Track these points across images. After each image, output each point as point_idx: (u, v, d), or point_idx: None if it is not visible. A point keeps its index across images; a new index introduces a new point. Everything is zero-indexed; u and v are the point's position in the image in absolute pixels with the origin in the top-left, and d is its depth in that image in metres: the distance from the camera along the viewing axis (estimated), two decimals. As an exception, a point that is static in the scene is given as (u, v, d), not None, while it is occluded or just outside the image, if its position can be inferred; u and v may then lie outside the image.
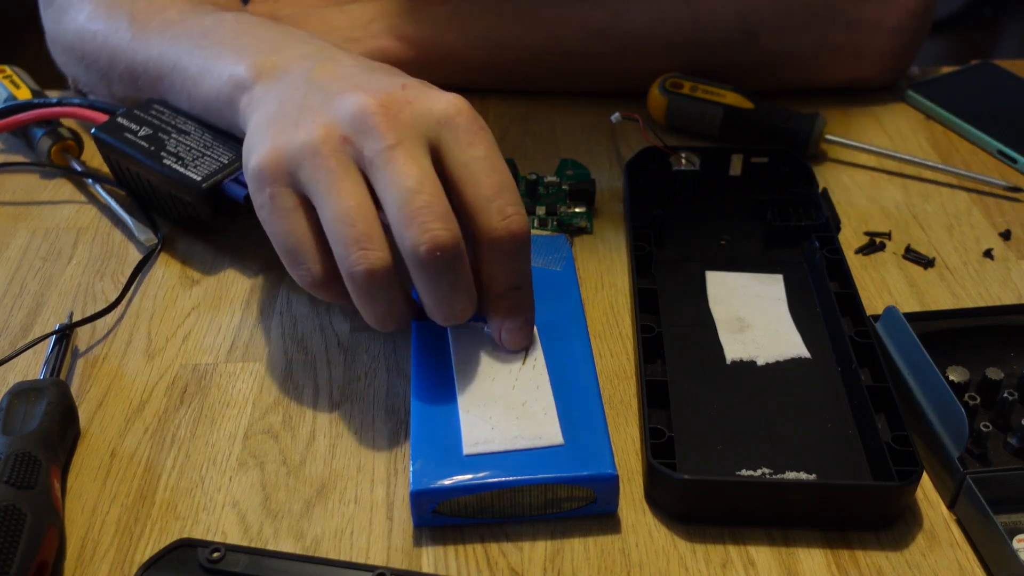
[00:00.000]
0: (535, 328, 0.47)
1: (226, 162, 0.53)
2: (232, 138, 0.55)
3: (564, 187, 0.60)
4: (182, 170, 0.53)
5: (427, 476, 0.40)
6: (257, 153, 0.44)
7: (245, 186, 0.52)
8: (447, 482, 0.40)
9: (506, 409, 0.43)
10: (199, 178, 0.53)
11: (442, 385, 0.44)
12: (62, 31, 0.63)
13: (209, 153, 0.54)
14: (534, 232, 0.54)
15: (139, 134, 0.55)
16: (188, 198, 0.53)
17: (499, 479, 0.40)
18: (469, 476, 0.40)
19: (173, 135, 0.55)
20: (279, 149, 0.43)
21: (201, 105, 0.54)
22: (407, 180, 0.40)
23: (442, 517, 0.41)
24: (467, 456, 0.41)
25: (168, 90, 0.57)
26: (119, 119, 0.56)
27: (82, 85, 0.64)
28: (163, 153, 0.54)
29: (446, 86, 0.70)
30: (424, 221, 0.39)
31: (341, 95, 0.43)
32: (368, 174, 0.42)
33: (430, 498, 0.40)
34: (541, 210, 0.59)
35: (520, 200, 0.42)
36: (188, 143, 0.54)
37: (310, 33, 0.53)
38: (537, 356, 0.45)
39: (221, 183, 0.53)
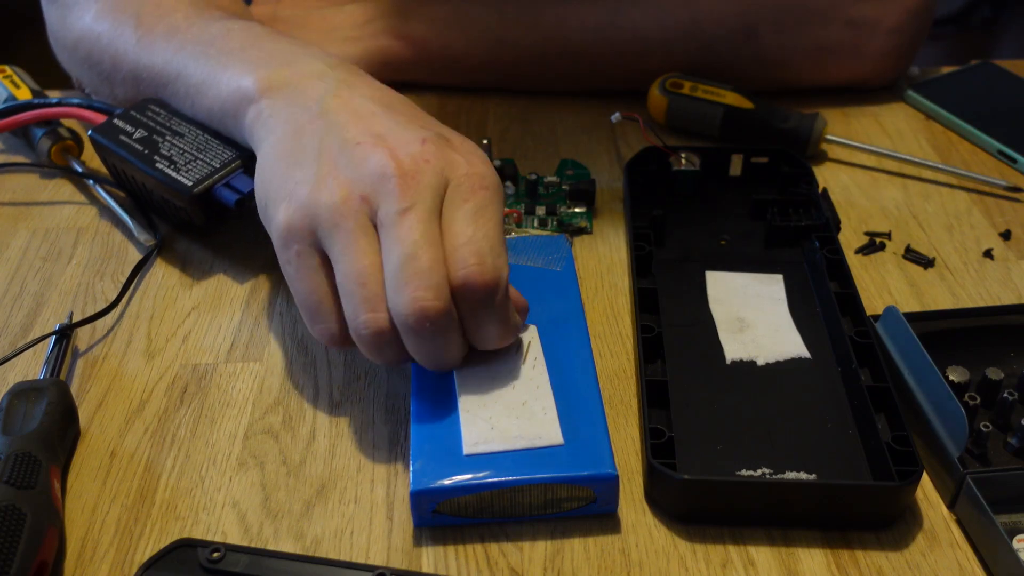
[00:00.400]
0: (535, 328, 0.47)
1: (218, 166, 0.53)
2: (226, 140, 0.55)
3: (564, 187, 0.60)
4: (174, 174, 0.53)
5: (427, 476, 0.40)
6: (285, 210, 0.44)
7: (236, 191, 0.52)
8: (447, 482, 0.40)
9: (506, 409, 0.43)
10: (190, 183, 0.52)
11: (442, 385, 0.44)
12: (66, 30, 0.63)
13: (202, 157, 0.54)
14: (534, 232, 0.54)
15: (134, 136, 0.55)
16: (179, 203, 0.53)
17: (499, 479, 0.40)
18: (469, 476, 0.40)
19: (167, 137, 0.55)
20: (304, 209, 0.43)
21: (204, 113, 0.54)
22: (406, 246, 0.41)
23: (442, 517, 0.41)
24: (467, 456, 0.41)
25: (171, 96, 0.57)
26: (115, 121, 0.56)
27: (85, 85, 0.64)
28: (156, 156, 0.54)
29: (447, 85, 0.71)
30: (415, 289, 0.40)
31: (363, 153, 0.44)
32: (380, 233, 0.43)
33: (430, 498, 0.40)
34: (541, 210, 0.59)
35: (497, 251, 0.42)
36: (181, 146, 0.54)
37: (317, 47, 0.53)
38: (537, 356, 0.45)
39: (212, 188, 0.53)
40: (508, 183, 0.60)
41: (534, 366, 0.45)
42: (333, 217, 0.42)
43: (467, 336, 0.43)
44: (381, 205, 0.42)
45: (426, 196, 0.42)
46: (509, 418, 0.42)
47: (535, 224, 0.58)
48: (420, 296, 0.40)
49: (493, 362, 0.45)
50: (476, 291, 0.41)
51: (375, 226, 0.43)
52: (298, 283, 0.44)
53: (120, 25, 0.59)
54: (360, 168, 0.43)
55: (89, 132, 0.57)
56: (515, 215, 0.57)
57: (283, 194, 0.45)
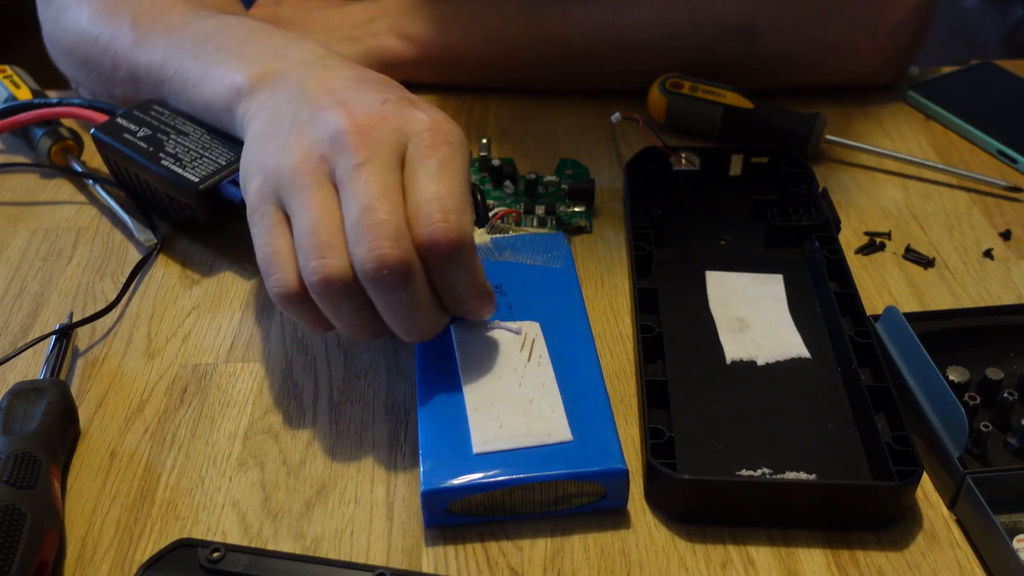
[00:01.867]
0: (538, 325, 0.47)
1: (224, 163, 0.53)
2: (231, 139, 0.55)
3: (563, 186, 0.61)
4: (179, 171, 0.53)
5: (438, 476, 0.40)
6: (254, 178, 0.45)
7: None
8: (458, 481, 0.40)
9: (513, 407, 0.43)
10: (196, 179, 0.53)
11: (448, 385, 0.44)
12: (61, 33, 0.63)
13: (207, 154, 0.54)
14: (533, 231, 0.54)
15: (138, 135, 0.55)
16: (185, 199, 0.53)
17: (510, 477, 0.40)
18: (480, 475, 0.40)
19: (172, 136, 0.55)
20: (269, 174, 0.44)
21: (201, 109, 0.55)
22: (365, 198, 0.41)
23: (453, 516, 0.41)
24: (477, 455, 0.41)
25: (168, 94, 0.57)
26: (118, 119, 0.56)
27: (83, 87, 0.64)
28: (161, 154, 0.54)
29: (447, 85, 0.71)
30: (373, 239, 0.40)
31: (323, 112, 0.44)
32: (338, 191, 0.42)
33: (442, 498, 0.40)
34: (540, 209, 0.59)
35: (461, 208, 0.41)
36: (187, 144, 0.54)
37: (315, 40, 0.53)
38: (542, 353, 0.45)
39: (218, 184, 0.53)
40: (507, 182, 0.60)
41: (539, 363, 0.45)
42: (292, 176, 0.43)
43: (442, 301, 0.43)
44: (338, 162, 0.42)
45: (382, 151, 0.42)
46: (517, 416, 0.42)
47: (534, 223, 0.58)
48: (377, 244, 0.40)
49: (498, 360, 0.45)
50: (441, 246, 0.40)
51: (335, 186, 0.42)
52: (257, 239, 0.44)
53: (117, 26, 0.59)
54: (319, 130, 0.43)
55: (92, 130, 0.57)
56: (514, 214, 0.57)
57: (256, 167, 0.45)
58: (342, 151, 0.42)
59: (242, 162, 0.47)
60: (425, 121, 0.43)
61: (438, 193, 0.41)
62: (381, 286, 0.40)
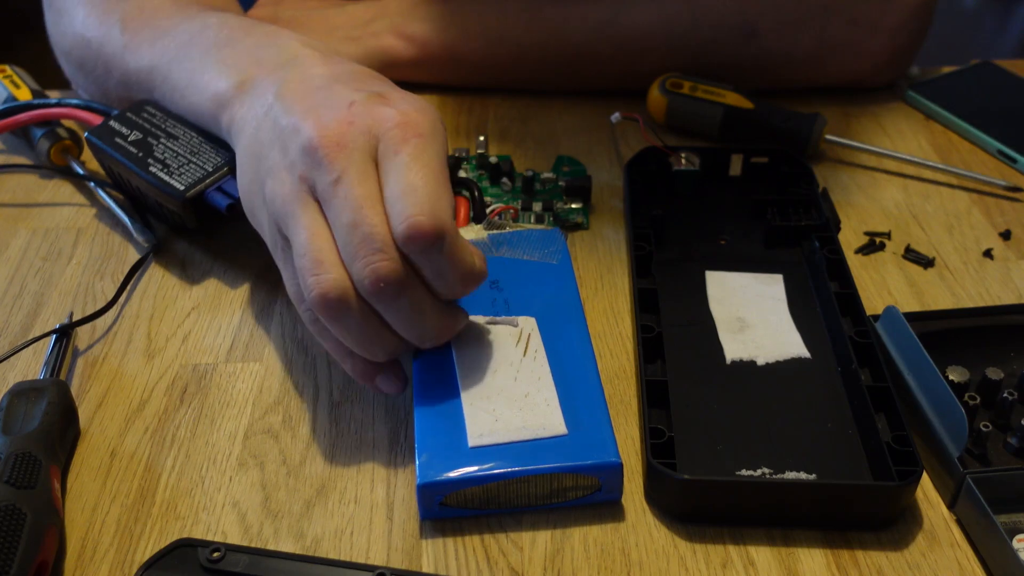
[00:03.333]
0: (534, 320, 0.47)
1: (210, 169, 0.53)
2: (220, 143, 0.54)
3: (560, 183, 0.61)
4: (166, 178, 0.53)
5: (433, 469, 0.41)
6: (261, 213, 0.45)
7: (228, 195, 0.53)
8: (453, 474, 0.40)
9: (509, 401, 0.43)
10: (182, 187, 0.52)
11: (444, 379, 0.44)
12: (60, 35, 0.64)
13: (195, 160, 0.54)
14: (530, 227, 0.54)
15: (128, 139, 0.55)
16: (172, 207, 0.53)
17: (505, 470, 0.40)
18: (475, 468, 0.40)
19: (162, 139, 0.55)
20: (269, 206, 0.44)
21: (193, 116, 0.55)
22: (348, 213, 0.41)
23: (448, 509, 0.41)
24: (472, 448, 0.41)
25: (161, 99, 0.57)
26: (111, 123, 0.56)
27: (80, 89, 0.64)
28: (150, 160, 0.54)
29: (447, 85, 0.71)
30: (365, 255, 0.40)
31: (294, 133, 0.44)
32: (323, 208, 0.43)
33: (437, 490, 0.40)
34: (537, 206, 0.59)
35: (435, 196, 0.41)
36: (175, 148, 0.54)
37: (293, 33, 0.53)
38: (537, 347, 0.46)
39: (204, 192, 0.53)
40: (504, 179, 0.60)
41: (535, 358, 0.45)
42: (284, 207, 0.43)
43: (433, 291, 0.43)
44: (316, 179, 0.42)
45: (355, 159, 0.42)
46: (512, 410, 0.43)
47: (531, 219, 0.58)
48: (369, 260, 0.40)
49: (494, 355, 0.45)
50: (419, 240, 0.40)
51: (317, 203, 0.43)
52: (283, 274, 0.45)
53: (107, 30, 0.59)
54: (292, 149, 0.44)
55: (86, 134, 0.57)
56: (511, 210, 0.57)
57: (259, 200, 0.45)
58: (317, 167, 0.42)
59: (241, 183, 0.47)
60: (393, 117, 0.43)
61: (409, 186, 0.41)
62: (384, 298, 0.41)
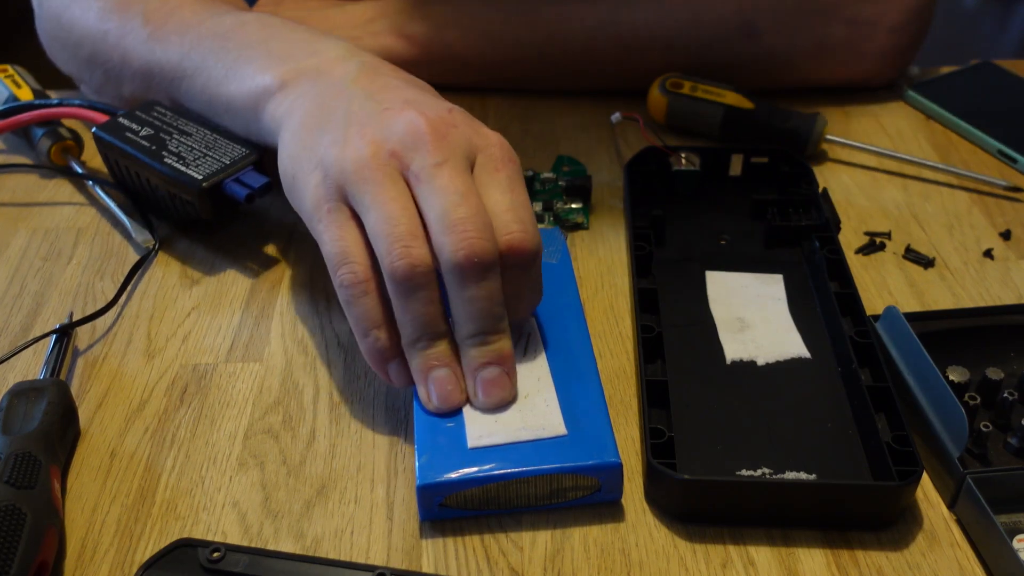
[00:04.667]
0: (534, 320, 0.47)
1: (227, 162, 0.53)
2: (235, 139, 0.55)
3: (560, 183, 0.61)
4: (183, 168, 0.53)
5: (433, 470, 0.41)
6: (313, 173, 0.45)
7: (246, 186, 0.53)
8: (453, 475, 0.40)
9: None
10: (200, 176, 0.53)
11: None
12: (64, 30, 0.63)
13: (211, 153, 0.54)
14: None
15: (140, 134, 0.55)
16: (188, 197, 0.53)
17: (504, 471, 0.40)
18: (475, 469, 0.40)
19: (175, 135, 0.55)
20: (332, 167, 0.44)
21: (223, 107, 0.54)
22: (451, 193, 0.42)
23: (448, 510, 0.41)
24: (472, 449, 0.41)
25: (185, 92, 0.57)
26: (120, 119, 0.56)
27: (86, 84, 0.64)
28: (164, 152, 0.54)
29: (447, 85, 0.71)
30: (464, 230, 0.41)
31: (394, 112, 0.45)
32: (413, 187, 0.43)
33: (437, 491, 0.40)
34: (537, 206, 0.59)
35: (534, 221, 0.44)
36: (190, 143, 0.55)
37: (332, 34, 0.54)
38: (537, 348, 0.46)
39: (222, 182, 0.53)
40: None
41: (535, 358, 0.45)
42: (361, 170, 0.43)
43: (506, 301, 0.44)
44: (414, 159, 0.43)
45: (458, 154, 0.44)
46: (512, 410, 0.43)
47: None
48: (468, 236, 0.41)
49: None
50: (520, 255, 0.42)
51: (408, 181, 0.43)
52: (325, 233, 0.44)
53: (127, 22, 0.59)
54: (390, 127, 0.44)
55: (93, 129, 0.56)
56: None
57: (313, 162, 0.45)
58: (420, 149, 0.43)
59: (283, 157, 0.47)
60: (493, 138, 0.46)
61: (514, 205, 0.43)
62: (468, 275, 0.41)
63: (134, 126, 0.56)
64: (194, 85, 0.56)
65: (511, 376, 0.44)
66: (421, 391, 0.44)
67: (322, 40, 0.53)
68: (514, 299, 0.44)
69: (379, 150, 0.43)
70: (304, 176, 0.46)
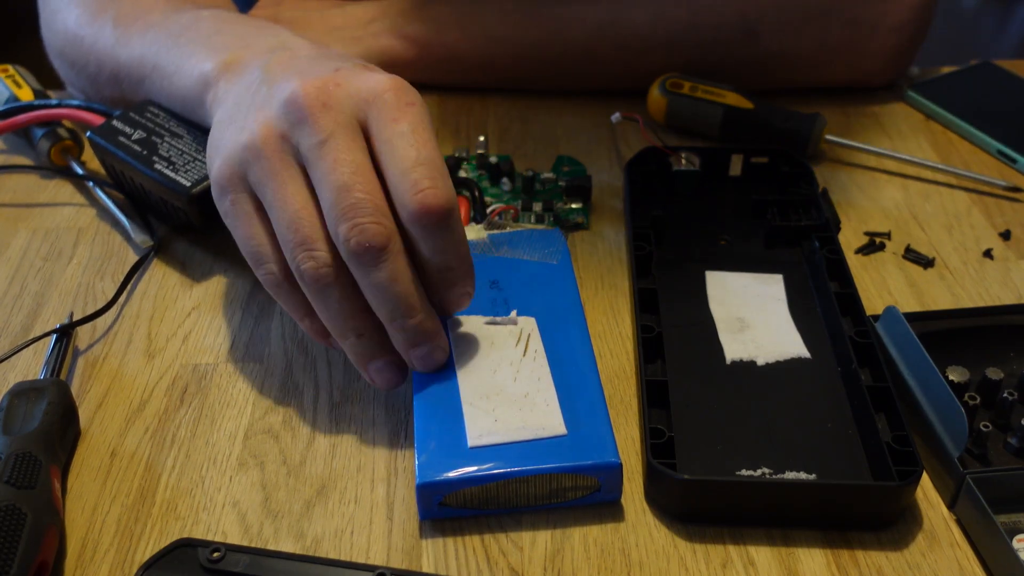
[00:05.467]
0: (534, 320, 0.47)
1: None
2: None
3: (560, 183, 0.61)
4: (172, 175, 0.53)
5: (433, 469, 0.41)
6: (217, 162, 0.44)
7: None
8: (453, 474, 0.40)
9: (508, 401, 0.43)
10: (188, 184, 0.52)
11: (444, 379, 0.44)
12: (53, 35, 0.64)
13: (200, 158, 0.54)
14: (530, 227, 0.54)
15: (132, 137, 0.55)
16: (178, 204, 0.53)
17: (504, 470, 0.40)
18: (474, 468, 0.40)
19: (166, 139, 0.55)
20: (231, 153, 0.44)
21: (179, 104, 0.55)
22: (339, 177, 0.40)
23: (448, 509, 0.41)
24: (472, 448, 0.41)
25: (149, 91, 0.57)
26: (114, 122, 0.56)
27: (73, 88, 0.65)
28: (155, 157, 0.54)
29: (447, 85, 0.71)
30: (352, 217, 0.40)
31: (278, 85, 0.44)
32: (307, 169, 0.42)
33: (436, 490, 0.40)
34: (537, 206, 0.59)
35: (444, 174, 0.41)
36: (180, 147, 0.54)
37: (284, 28, 0.53)
38: (537, 348, 0.46)
39: (210, 189, 0.53)
40: (504, 179, 0.60)
41: (535, 358, 0.45)
42: (257, 159, 0.42)
43: (431, 281, 0.43)
44: (300, 139, 0.42)
45: (342, 120, 0.42)
46: (512, 410, 0.43)
47: (532, 219, 0.58)
48: (360, 222, 0.40)
49: (493, 355, 0.45)
50: (433, 213, 0.40)
51: (302, 165, 0.42)
52: (236, 230, 0.44)
53: (100, 26, 0.60)
54: (274, 102, 0.43)
55: (88, 133, 0.57)
56: (511, 210, 0.57)
57: (216, 151, 0.45)
58: (302, 125, 0.42)
59: (208, 149, 0.47)
60: (384, 82, 0.43)
61: (420, 159, 0.41)
62: (365, 262, 0.40)
63: (127, 129, 0.56)
64: (154, 83, 0.56)
65: (444, 345, 0.44)
66: (366, 377, 0.44)
67: (261, 32, 0.52)
68: (442, 270, 0.42)
69: (270, 133, 0.42)
70: (211, 164, 0.45)
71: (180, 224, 0.57)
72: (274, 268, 0.43)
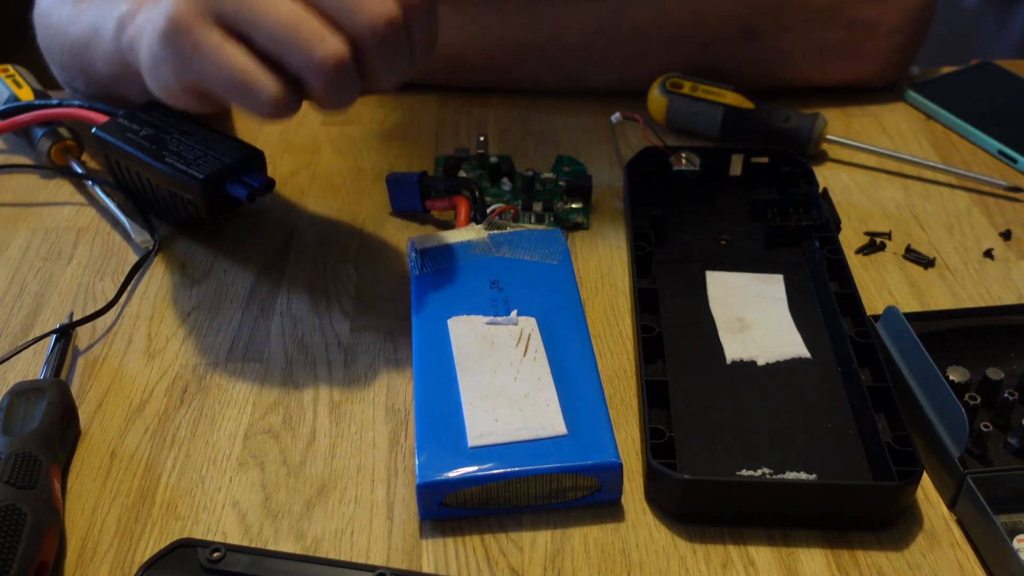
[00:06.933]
0: (534, 320, 0.47)
1: (228, 161, 0.53)
2: (235, 140, 0.55)
3: (560, 183, 0.61)
4: (184, 167, 0.53)
5: (433, 469, 0.41)
6: (166, 12, 0.43)
7: (247, 185, 0.52)
8: (453, 474, 0.40)
9: (509, 401, 0.43)
10: (200, 175, 0.53)
11: (444, 379, 0.45)
12: (37, 29, 0.65)
13: (211, 152, 0.54)
14: (530, 227, 0.54)
15: (140, 134, 0.55)
16: (188, 196, 0.53)
17: (504, 470, 0.40)
18: (475, 468, 0.40)
19: (175, 135, 0.55)
20: (188, 2, 0.43)
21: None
22: None
23: (448, 509, 0.41)
24: (472, 448, 0.41)
25: (96, 57, 0.57)
26: (120, 120, 0.56)
27: (65, 85, 0.65)
28: (165, 152, 0.54)
29: (447, 85, 0.71)
30: (371, 3, 0.41)
31: None
32: None
33: (436, 490, 0.40)
34: (538, 206, 0.59)
35: None
36: (190, 143, 0.54)
37: None
38: (537, 348, 0.46)
39: (223, 181, 0.53)
40: (505, 179, 0.60)
41: (535, 358, 0.45)
42: None
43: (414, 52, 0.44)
44: None
45: None
46: (512, 410, 0.43)
47: (532, 220, 0.58)
48: (381, 7, 0.41)
49: (494, 355, 0.45)
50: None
51: None
52: (209, 66, 0.42)
53: (62, 11, 0.61)
54: None
55: (93, 129, 0.56)
56: (512, 210, 0.57)
57: (161, 9, 0.43)
58: None
59: (146, 58, 0.46)
60: None
61: None
62: (386, 42, 0.42)
63: (134, 126, 0.56)
64: (96, 48, 0.56)
65: None
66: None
67: None
68: (420, 39, 0.44)
69: None
70: (156, 23, 0.44)
71: (184, 219, 0.57)
72: (273, 88, 0.42)
